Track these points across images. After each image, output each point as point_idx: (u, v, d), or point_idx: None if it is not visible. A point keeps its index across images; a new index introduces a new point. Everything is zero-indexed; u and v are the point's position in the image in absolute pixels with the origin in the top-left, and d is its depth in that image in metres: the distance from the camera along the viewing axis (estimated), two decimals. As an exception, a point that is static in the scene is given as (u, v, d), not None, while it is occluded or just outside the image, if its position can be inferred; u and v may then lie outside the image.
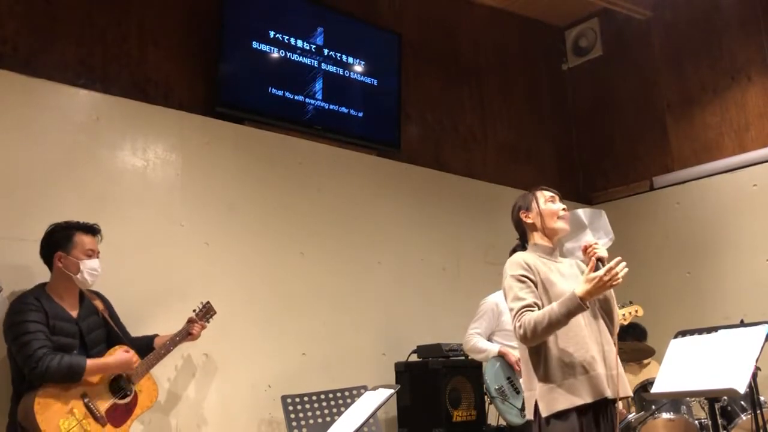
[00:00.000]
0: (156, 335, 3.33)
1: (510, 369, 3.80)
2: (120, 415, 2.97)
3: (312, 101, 4.49)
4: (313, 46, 4.56)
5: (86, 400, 2.87)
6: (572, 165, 6.23)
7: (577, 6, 6.01)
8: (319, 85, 4.54)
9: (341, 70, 4.69)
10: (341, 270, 4.37)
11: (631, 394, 2.70)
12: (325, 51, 4.62)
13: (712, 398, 2.80)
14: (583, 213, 3.49)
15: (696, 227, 5.31)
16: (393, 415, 4.19)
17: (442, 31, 5.55)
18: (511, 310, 2.53)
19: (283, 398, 3.56)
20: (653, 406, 3.78)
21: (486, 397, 3.94)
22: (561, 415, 2.43)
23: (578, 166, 6.24)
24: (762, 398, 3.40)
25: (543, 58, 6.27)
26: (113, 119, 3.68)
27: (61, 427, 2.76)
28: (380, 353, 4.38)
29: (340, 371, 4.14)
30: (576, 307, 2.38)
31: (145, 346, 3.22)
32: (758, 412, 3.04)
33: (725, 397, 3.58)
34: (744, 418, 3.57)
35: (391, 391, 2.76)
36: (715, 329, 2.60)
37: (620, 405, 2.81)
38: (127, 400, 3.01)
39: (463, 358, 4.10)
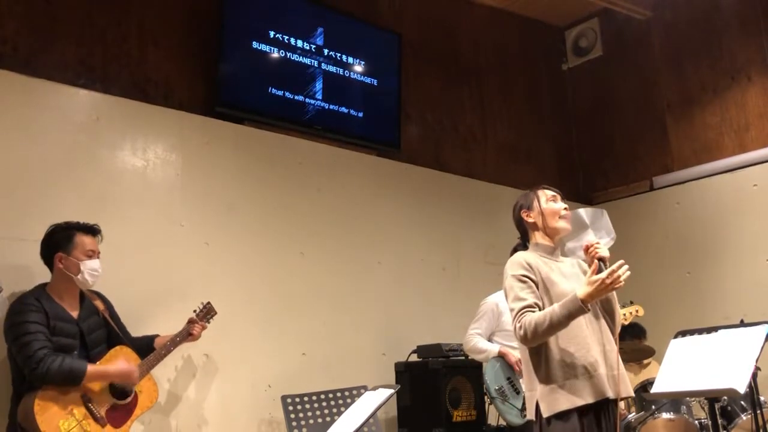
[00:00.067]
0: (156, 335, 3.32)
1: (510, 369, 3.80)
2: (120, 415, 2.97)
3: (312, 101, 4.49)
4: (313, 46, 4.56)
5: (86, 401, 2.87)
6: (572, 165, 6.22)
7: (577, 6, 6.01)
8: (319, 85, 4.54)
9: (341, 70, 4.69)
10: (341, 270, 4.37)
11: (633, 395, 2.70)
12: (325, 51, 4.62)
13: (712, 398, 2.80)
14: (584, 212, 3.49)
15: (696, 227, 5.31)
16: (393, 415, 4.19)
17: (442, 31, 5.55)
18: (511, 310, 2.52)
19: (283, 398, 3.56)
20: (653, 406, 3.78)
21: (486, 397, 3.94)
22: (562, 416, 2.42)
23: (578, 166, 6.24)
24: (762, 398, 3.40)
25: (543, 58, 6.27)
26: (113, 119, 3.68)
27: (61, 427, 2.76)
28: (380, 353, 4.38)
29: (340, 371, 4.14)
30: (577, 309, 2.37)
31: (146, 347, 3.22)
32: (758, 412, 3.03)
33: (725, 397, 3.58)
34: (744, 418, 3.57)
35: (391, 391, 2.76)
36: (715, 329, 2.59)
37: (621, 405, 2.81)
38: (127, 400, 3.01)
39: (463, 358, 4.10)
